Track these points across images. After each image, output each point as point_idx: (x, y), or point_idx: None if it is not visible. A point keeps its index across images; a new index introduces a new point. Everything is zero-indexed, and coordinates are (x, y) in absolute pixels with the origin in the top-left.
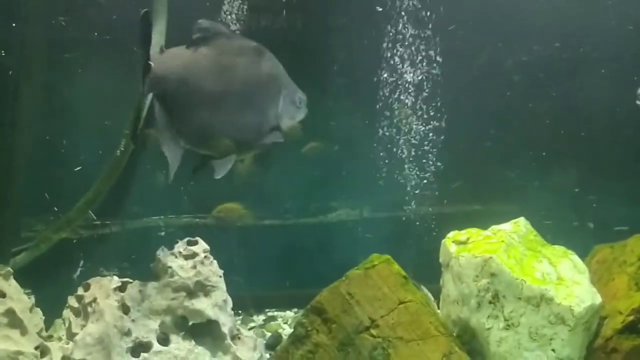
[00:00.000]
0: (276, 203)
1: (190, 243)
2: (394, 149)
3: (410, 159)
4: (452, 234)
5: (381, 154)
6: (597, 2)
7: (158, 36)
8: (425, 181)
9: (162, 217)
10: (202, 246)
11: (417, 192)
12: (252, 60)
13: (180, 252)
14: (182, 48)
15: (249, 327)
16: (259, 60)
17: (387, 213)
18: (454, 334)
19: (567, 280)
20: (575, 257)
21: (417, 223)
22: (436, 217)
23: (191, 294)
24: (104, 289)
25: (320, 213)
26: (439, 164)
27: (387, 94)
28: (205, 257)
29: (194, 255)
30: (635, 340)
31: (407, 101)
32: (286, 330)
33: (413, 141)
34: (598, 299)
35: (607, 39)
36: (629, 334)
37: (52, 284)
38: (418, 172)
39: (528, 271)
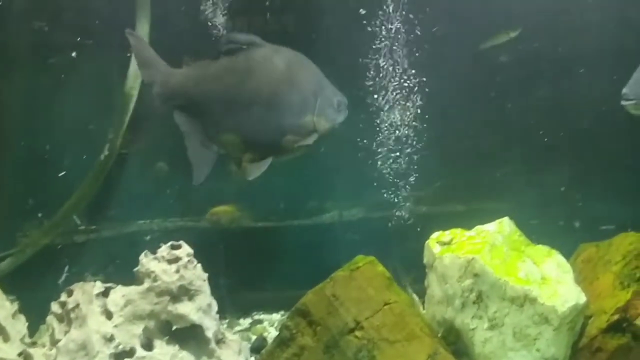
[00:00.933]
0: (264, 205)
1: (173, 247)
2: (379, 150)
3: (397, 159)
4: (436, 235)
5: (367, 154)
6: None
7: None
8: (412, 181)
9: (147, 221)
10: (185, 250)
11: (403, 193)
12: (284, 67)
13: (163, 257)
14: (207, 61)
15: (234, 330)
16: (292, 66)
17: (375, 214)
18: (439, 335)
19: (551, 279)
20: (560, 257)
21: (406, 223)
22: (424, 217)
23: (175, 298)
24: (86, 295)
25: (311, 214)
26: (425, 163)
27: (373, 96)
28: (189, 261)
29: (177, 259)
30: (620, 339)
31: (390, 102)
32: (272, 334)
33: (397, 142)
34: (583, 298)
35: (588, 38)
36: (614, 333)
37: (37, 290)
38: (405, 173)
39: (512, 271)
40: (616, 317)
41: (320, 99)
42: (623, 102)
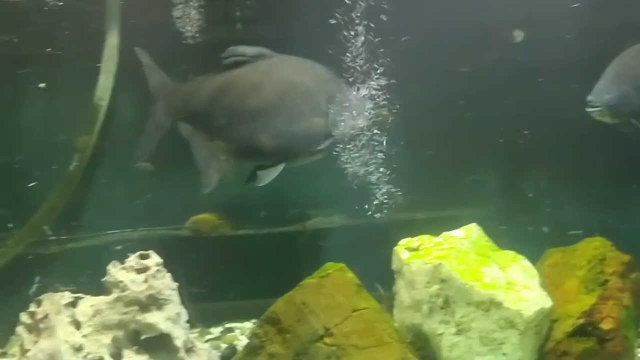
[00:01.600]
0: (241, 212)
1: (142, 256)
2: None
3: (375, 165)
4: (404, 241)
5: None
6: (540, 13)
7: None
8: (385, 188)
9: (118, 230)
10: (154, 259)
11: (380, 199)
12: (293, 76)
13: (132, 266)
14: (214, 74)
15: (205, 339)
16: (302, 74)
17: (349, 221)
18: (408, 340)
19: (517, 284)
20: (526, 262)
21: (380, 230)
22: (397, 224)
23: (143, 307)
24: (55, 305)
25: (290, 221)
26: (397, 170)
27: None
28: (157, 270)
29: (146, 268)
30: (585, 343)
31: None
32: (243, 342)
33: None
34: (548, 303)
35: (554, 46)
36: (580, 337)
37: (8, 301)
38: (383, 179)
39: (478, 276)
40: (581, 321)
41: (334, 104)
42: (588, 109)
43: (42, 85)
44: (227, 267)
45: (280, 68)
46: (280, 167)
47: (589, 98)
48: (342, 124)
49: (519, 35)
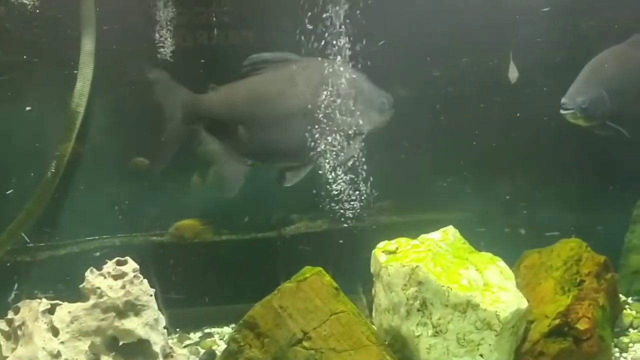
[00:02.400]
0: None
1: (119, 263)
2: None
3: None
4: (382, 244)
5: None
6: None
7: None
8: (365, 193)
9: (96, 237)
10: (131, 265)
11: (357, 204)
12: (316, 77)
13: (109, 272)
14: (233, 83)
15: (184, 344)
16: (325, 76)
17: (330, 225)
18: (386, 343)
19: (494, 286)
20: (502, 263)
21: (360, 234)
22: (377, 228)
23: (121, 314)
24: (32, 312)
25: (273, 226)
26: (376, 175)
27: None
28: (134, 276)
29: (123, 275)
30: (562, 343)
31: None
32: (222, 347)
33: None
34: (524, 304)
35: (529, 49)
36: (556, 338)
37: None
38: (358, 185)
39: (454, 278)
40: (557, 321)
41: (359, 103)
42: (562, 112)
43: (28, 108)
44: (207, 272)
45: (302, 73)
46: (309, 168)
47: (563, 100)
48: (370, 121)
49: (513, 72)
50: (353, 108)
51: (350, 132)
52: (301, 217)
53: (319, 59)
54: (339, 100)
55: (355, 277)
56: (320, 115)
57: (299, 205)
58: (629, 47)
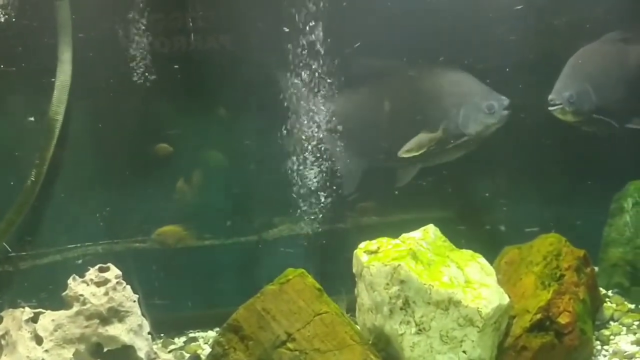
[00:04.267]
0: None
1: (101, 269)
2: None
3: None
4: (363, 244)
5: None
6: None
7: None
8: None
9: (78, 245)
10: (114, 272)
11: (340, 205)
12: (427, 83)
13: (92, 279)
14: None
15: (169, 349)
16: (435, 81)
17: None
18: (370, 342)
19: (475, 282)
20: (483, 260)
21: (343, 235)
22: (359, 229)
23: (105, 320)
24: (16, 321)
25: (255, 230)
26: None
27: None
28: (117, 282)
29: (105, 281)
30: (543, 337)
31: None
32: (206, 351)
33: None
34: (506, 299)
35: (504, 47)
36: (538, 332)
37: None
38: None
39: (436, 276)
40: (539, 316)
41: (465, 107)
42: (550, 108)
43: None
44: (190, 277)
45: (415, 80)
46: (417, 167)
47: (550, 97)
48: (476, 123)
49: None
50: (458, 112)
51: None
52: (284, 220)
53: (430, 64)
54: (442, 105)
55: (339, 278)
56: (427, 119)
57: (281, 208)
58: (603, 44)
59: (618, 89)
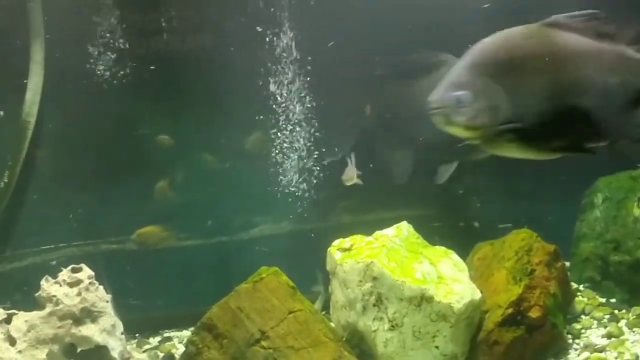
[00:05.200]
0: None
1: (74, 270)
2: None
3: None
4: (337, 242)
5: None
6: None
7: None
8: (324, 194)
9: (52, 246)
10: (86, 272)
11: (317, 205)
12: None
13: (64, 280)
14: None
15: (143, 349)
16: None
17: (292, 227)
18: (344, 339)
19: (447, 278)
20: (455, 256)
21: (321, 235)
22: (337, 228)
23: (78, 321)
24: None
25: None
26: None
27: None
28: (90, 283)
29: (78, 282)
30: (515, 332)
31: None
32: (180, 350)
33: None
34: (478, 295)
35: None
36: (509, 326)
37: None
38: (317, 186)
39: (409, 272)
40: (510, 310)
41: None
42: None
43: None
44: (165, 277)
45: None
46: (456, 163)
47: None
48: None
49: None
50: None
51: None
52: (264, 220)
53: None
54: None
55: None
56: None
57: (262, 208)
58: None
59: None
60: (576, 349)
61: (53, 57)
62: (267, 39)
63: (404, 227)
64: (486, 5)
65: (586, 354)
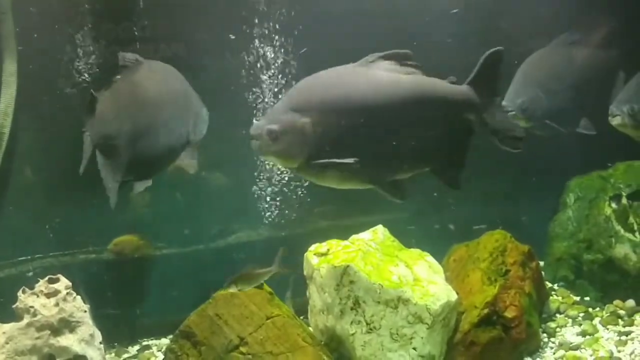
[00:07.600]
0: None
1: (51, 281)
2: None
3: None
4: (313, 247)
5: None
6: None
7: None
8: (299, 201)
9: (28, 257)
10: (63, 283)
11: (293, 211)
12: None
13: (42, 291)
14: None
15: (122, 358)
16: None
17: (269, 233)
18: (322, 343)
19: (423, 280)
20: (431, 258)
21: (299, 240)
22: (314, 234)
23: (56, 331)
24: None
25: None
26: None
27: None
28: (67, 293)
29: (56, 292)
30: (491, 332)
31: None
32: (159, 358)
33: None
34: (454, 296)
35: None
36: (485, 327)
37: None
38: (291, 194)
39: (385, 275)
40: (486, 311)
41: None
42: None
43: None
44: (143, 285)
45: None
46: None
47: (503, 103)
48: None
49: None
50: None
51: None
52: (242, 227)
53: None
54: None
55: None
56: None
57: (237, 215)
58: (553, 49)
59: (568, 94)
60: (552, 348)
61: (26, 68)
62: (239, 48)
63: (380, 231)
64: (455, 11)
65: (561, 352)
